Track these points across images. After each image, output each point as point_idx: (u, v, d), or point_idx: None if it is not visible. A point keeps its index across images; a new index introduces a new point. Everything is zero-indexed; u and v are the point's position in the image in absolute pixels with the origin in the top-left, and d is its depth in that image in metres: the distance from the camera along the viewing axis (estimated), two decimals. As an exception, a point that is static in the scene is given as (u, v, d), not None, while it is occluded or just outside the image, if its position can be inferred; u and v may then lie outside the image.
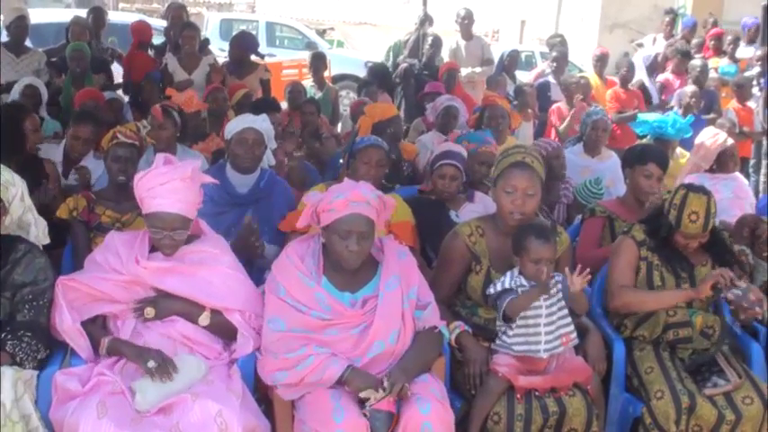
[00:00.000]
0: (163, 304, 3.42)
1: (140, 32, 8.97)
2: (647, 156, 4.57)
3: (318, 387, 3.22)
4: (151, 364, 3.22)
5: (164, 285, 3.44)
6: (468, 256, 3.75)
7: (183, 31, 8.25)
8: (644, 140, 6.30)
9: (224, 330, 3.49)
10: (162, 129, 5.15)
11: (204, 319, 3.44)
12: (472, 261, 3.75)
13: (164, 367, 3.21)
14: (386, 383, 3.16)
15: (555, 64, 9.54)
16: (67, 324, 3.35)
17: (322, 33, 20.33)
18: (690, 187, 3.85)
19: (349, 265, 3.37)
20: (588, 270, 3.48)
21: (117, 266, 3.44)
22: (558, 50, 9.80)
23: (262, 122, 4.48)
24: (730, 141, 5.80)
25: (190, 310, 3.44)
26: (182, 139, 5.42)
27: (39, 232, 3.58)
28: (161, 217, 3.37)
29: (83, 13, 9.73)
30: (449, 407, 3.28)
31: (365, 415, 3.15)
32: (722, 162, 5.81)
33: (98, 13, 9.42)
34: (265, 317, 3.39)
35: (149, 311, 3.38)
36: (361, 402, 3.18)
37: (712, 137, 5.88)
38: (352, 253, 3.33)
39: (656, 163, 4.53)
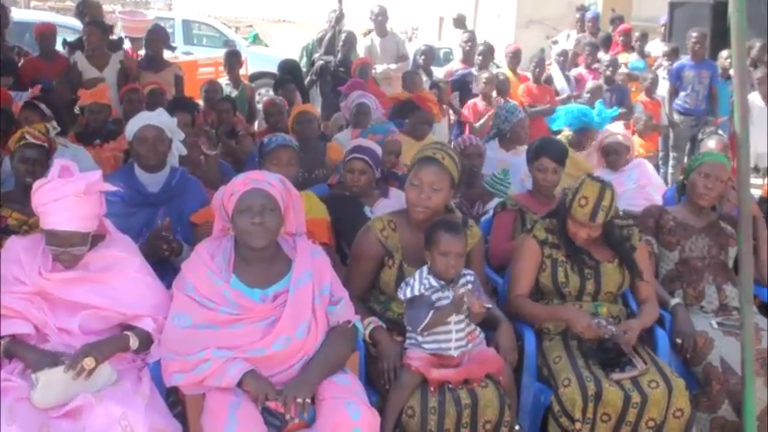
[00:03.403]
0: (96, 349, 3.19)
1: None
2: (539, 150, 4.71)
3: (221, 390, 3.17)
4: (64, 357, 3.13)
5: (71, 297, 3.33)
6: (381, 251, 3.77)
7: (86, 28, 8.08)
8: (565, 132, 6.48)
9: (145, 342, 3.39)
10: (30, 123, 5.00)
11: (133, 342, 3.33)
12: (385, 255, 3.77)
13: (77, 362, 3.10)
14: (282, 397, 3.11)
15: (481, 57, 9.59)
16: None
17: (255, 37, 19.89)
18: (591, 176, 3.96)
19: (255, 243, 3.32)
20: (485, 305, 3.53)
21: (20, 276, 3.33)
22: (485, 44, 9.85)
23: (158, 117, 4.38)
24: (610, 139, 6.00)
25: (120, 342, 3.31)
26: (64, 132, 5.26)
27: None
28: (57, 235, 3.26)
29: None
30: (375, 411, 3.26)
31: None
32: (608, 159, 6.01)
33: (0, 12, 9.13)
34: (171, 313, 3.33)
35: (89, 362, 3.13)
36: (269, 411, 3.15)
37: (605, 134, 6.11)
38: (255, 225, 3.29)
39: (549, 157, 4.66)
